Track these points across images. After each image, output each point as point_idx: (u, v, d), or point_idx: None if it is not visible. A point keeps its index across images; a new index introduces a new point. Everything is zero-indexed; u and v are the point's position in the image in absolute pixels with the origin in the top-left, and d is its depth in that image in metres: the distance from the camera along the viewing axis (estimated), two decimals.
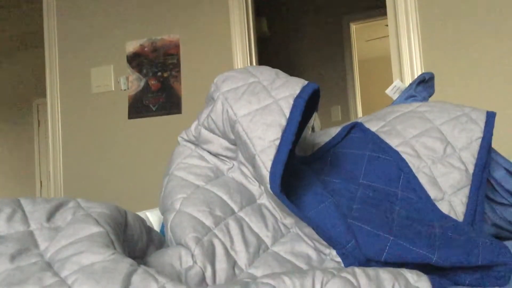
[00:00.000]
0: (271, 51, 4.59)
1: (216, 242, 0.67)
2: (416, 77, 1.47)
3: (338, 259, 0.70)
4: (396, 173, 0.90)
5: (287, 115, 0.74)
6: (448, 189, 0.88)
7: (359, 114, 4.34)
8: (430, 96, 1.22)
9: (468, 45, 2.14)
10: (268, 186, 0.70)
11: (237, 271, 0.65)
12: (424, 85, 1.21)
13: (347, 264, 0.69)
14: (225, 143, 0.82)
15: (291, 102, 0.76)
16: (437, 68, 2.16)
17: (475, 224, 0.85)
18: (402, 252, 0.68)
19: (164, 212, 0.77)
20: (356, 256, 0.69)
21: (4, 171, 5.67)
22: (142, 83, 2.93)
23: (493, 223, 0.97)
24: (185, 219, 0.69)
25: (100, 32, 3.05)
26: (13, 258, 0.49)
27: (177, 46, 2.86)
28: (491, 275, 0.68)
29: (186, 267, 0.62)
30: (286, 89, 0.78)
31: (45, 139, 3.64)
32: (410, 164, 0.91)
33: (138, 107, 2.93)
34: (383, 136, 0.98)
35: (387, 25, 2.57)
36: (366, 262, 0.70)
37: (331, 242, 0.70)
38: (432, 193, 0.87)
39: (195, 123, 0.87)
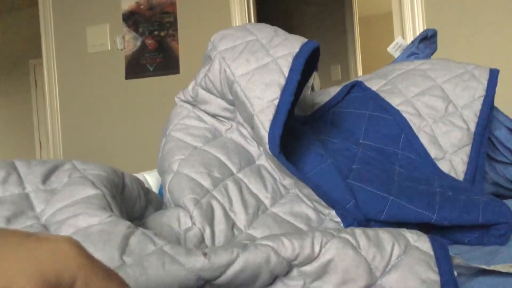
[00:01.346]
0: (270, 8, 4.49)
1: (215, 204, 0.66)
2: (418, 34, 1.44)
3: (338, 219, 0.70)
4: (397, 133, 0.89)
5: (286, 74, 0.72)
6: (449, 148, 0.87)
7: (360, 73, 4.29)
8: (432, 53, 1.20)
9: (471, 0, 2.09)
10: (267, 146, 0.69)
11: (236, 232, 0.65)
12: (427, 42, 1.18)
13: (346, 224, 0.69)
14: (223, 104, 0.81)
15: (290, 60, 0.74)
16: (440, 24, 2.12)
17: (475, 183, 0.85)
18: (402, 212, 0.68)
19: (162, 173, 0.76)
20: (356, 216, 0.69)
21: (2, 132, 5.66)
22: (138, 43, 2.88)
23: (493, 181, 0.97)
24: (183, 180, 0.69)
25: None
26: (8, 220, 0.48)
27: (173, 4, 2.79)
28: (491, 234, 0.69)
29: (184, 228, 0.62)
30: (285, 48, 0.76)
31: (43, 99, 3.62)
32: (411, 123, 0.90)
33: (135, 67, 2.89)
34: (384, 95, 0.96)
35: None
36: (366, 222, 0.70)
37: (331, 202, 0.70)
38: (433, 152, 0.86)
39: (192, 83, 0.85)
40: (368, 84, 1.02)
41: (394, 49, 1.26)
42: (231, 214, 0.67)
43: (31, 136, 5.54)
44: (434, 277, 0.50)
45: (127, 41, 2.91)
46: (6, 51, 5.60)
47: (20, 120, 5.60)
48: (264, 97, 0.71)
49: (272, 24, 0.87)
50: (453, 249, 0.68)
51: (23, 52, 5.50)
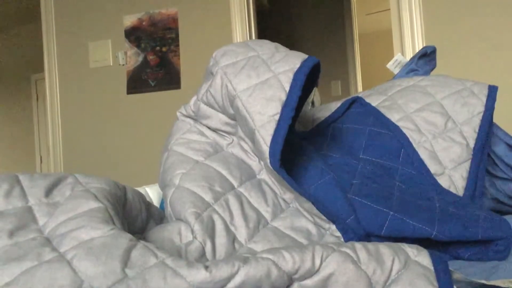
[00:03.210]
0: (271, 25, 4.53)
1: (216, 217, 0.67)
2: (417, 51, 1.45)
3: (338, 233, 0.70)
4: (397, 148, 0.89)
5: (287, 89, 0.73)
6: (449, 164, 0.88)
7: (359, 89, 4.31)
8: (432, 70, 1.21)
9: (470, 18, 2.11)
10: (268, 161, 0.69)
11: (236, 246, 0.65)
12: (426, 59, 1.19)
13: (346, 239, 0.69)
14: (225, 118, 0.82)
15: (291, 76, 0.75)
16: (439, 41, 2.14)
17: (475, 198, 0.85)
18: (402, 227, 0.68)
19: (163, 187, 0.76)
20: (356, 231, 0.69)
21: (3, 146, 5.66)
22: (140, 58, 2.90)
23: (493, 197, 0.97)
24: (184, 194, 0.69)
25: (97, 5, 3.01)
26: (11, 234, 0.48)
27: (175, 20, 2.82)
28: (490, 249, 0.69)
29: (185, 242, 0.62)
30: (286, 63, 0.77)
31: (44, 113, 3.64)
32: (410, 139, 0.90)
33: (137, 83, 2.91)
34: (383, 111, 0.97)
35: None
36: (366, 236, 0.70)
37: (331, 217, 0.70)
38: (433, 167, 0.87)
39: (194, 98, 0.86)
40: (368, 100, 1.02)
41: (393, 66, 1.27)
42: (232, 228, 0.67)
43: (31, 149, 5.55)
44: None
45: (129, 57, 2.93)
46: (8, 65, 5.64)
47: (21, 134, 5.61)
48: (265, 112, 0.72)
49: (273, 41, 0.88)
50: (452, 264, 0.68)
51: (25, 67, 5.53)
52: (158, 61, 2.86)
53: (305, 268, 0.49)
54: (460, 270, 0.64)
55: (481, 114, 0.93)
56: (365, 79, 4.85)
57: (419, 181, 0.85)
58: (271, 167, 0.70)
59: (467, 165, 0.88)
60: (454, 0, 2.14)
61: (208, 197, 0.69)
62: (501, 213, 0.95)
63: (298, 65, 0.76)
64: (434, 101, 0.97)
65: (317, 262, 0.50)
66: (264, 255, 0.49)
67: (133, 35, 2.92)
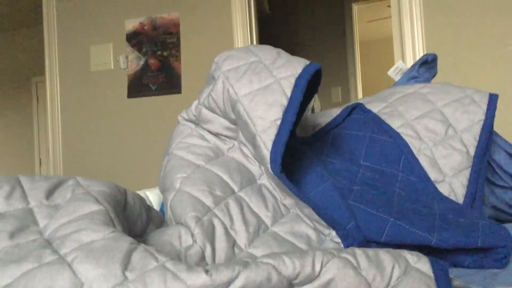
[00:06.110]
0: (272, 31, 4.55)
1: (216, 222, 0.66)
2: (418, 58, 1.46)
3: (338, 239, 0.70)
4: (397, 155, 0.89)
5: (289, 95, 0.73)
6: (449, 171, 0.88)
7: (360, 96, 4.32)
8: (432, 77, 1.21)
9: (471, 25, 2.12)
10: (269, 166, 0.69)
11: (236, 250, 0.65)
12: (427, 66, 1.20)
13: (346, 245, 0.69)
14: (226, 123, 0.82)
15: (293, 81, 0.75)
16: (440, 49, 2.14)
17: (474, 206, 0.85)
18: (402, 233, 0.68)
19: (164, 191, 0.76)
20: (356, 237, 0.69)
21: (3, 148, 5.66)
22: (141, 62, 2.90)
23: (493, 205, 0.97)
24: (185, 198, 0.69)
25: (99, 9, 3.02)
26: (12, 235, 0.48)
27: (176, 25, 2.83)
28: (490, 257, 0.69)
29: (185, 246, 0.62)
30: (287, 69, 0.78)
31: (44, 116, 3.64)
32: (411, 146, 0.90)
33: (138, 87, 2.91)
34: (384, 118, 0.97)
35: (389, 6, 2.55)
36: (366, 243, 0.70)
37: (331, 222, 0.70)
38: (433, 175, 0.87)
39: (196, 102, 0.86)
40: (369, 106, 1.03)
41: (394, 73, 1.28)
42: (232, 233, 0.67)
43: (31, 152, 5.54)
44: None
45: (130, 61, 2.93)
46: (9, 68, 5.64)
47: (20, 137, 5.61)
48: (266, 117, 0.72)
49: (274, 46, 0.88)
50: (452, 272, 0.68)
51: (26, 69, 5.54)
52: (159, 66, 2.87)
53: (305, 273, 0.49)
54: (459, 277, 0.64)
55: (482, 122, 0.94)
56: (365, 86, 4.86)
57: (419, 188, 0.85)
58: (272, 172, 0.70)
59: (467, 173, 0.88)
60: (455, 8, 2.15)
61: (208, 201, 0.69)
62: (501, 221, 0.95)
63: (299, 71, 0.76)
64: (435, 109, 0.97)
65: (317, 267, 0.50)
66: (265, 260, 0.49)
67: (135, 39, 2.92)
